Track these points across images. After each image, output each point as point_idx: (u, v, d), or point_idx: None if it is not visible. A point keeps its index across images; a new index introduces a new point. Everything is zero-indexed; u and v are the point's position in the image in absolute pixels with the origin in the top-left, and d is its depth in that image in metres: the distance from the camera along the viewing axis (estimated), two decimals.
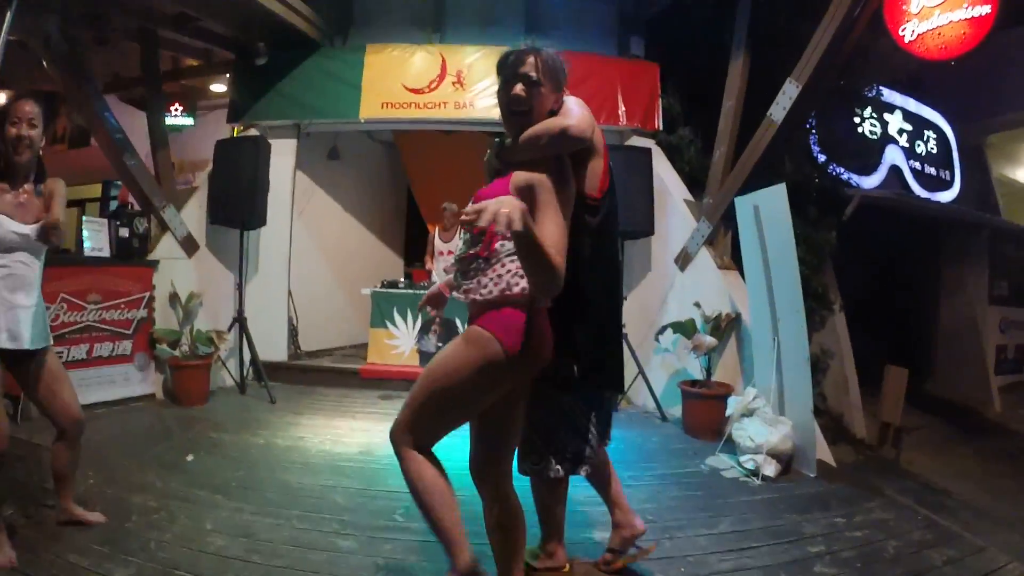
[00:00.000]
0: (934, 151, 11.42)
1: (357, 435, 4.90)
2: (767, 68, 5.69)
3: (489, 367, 1.97)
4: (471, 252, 2.12)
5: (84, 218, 5.96)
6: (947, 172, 11.67)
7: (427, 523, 2.08)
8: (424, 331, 6.54)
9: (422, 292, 6.47)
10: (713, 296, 5.70)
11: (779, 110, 5.17)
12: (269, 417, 5.31)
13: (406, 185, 9.41)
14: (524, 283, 2.01)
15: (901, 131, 10.78)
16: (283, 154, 6.74)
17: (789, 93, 5.08)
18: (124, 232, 5.89)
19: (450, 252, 7.16)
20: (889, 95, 10.35)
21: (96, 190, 12.53)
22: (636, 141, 6.53)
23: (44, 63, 5.28)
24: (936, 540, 3.37)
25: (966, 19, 3.95)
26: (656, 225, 6.10)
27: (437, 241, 7.24)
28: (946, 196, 11.35)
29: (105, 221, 5.90)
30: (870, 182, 9.56)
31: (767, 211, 4.78)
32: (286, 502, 3.47)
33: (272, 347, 6.66)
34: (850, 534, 3.38)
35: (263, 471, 3.98)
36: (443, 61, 6.55)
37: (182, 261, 6.22)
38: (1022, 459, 7.50)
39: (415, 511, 3.26)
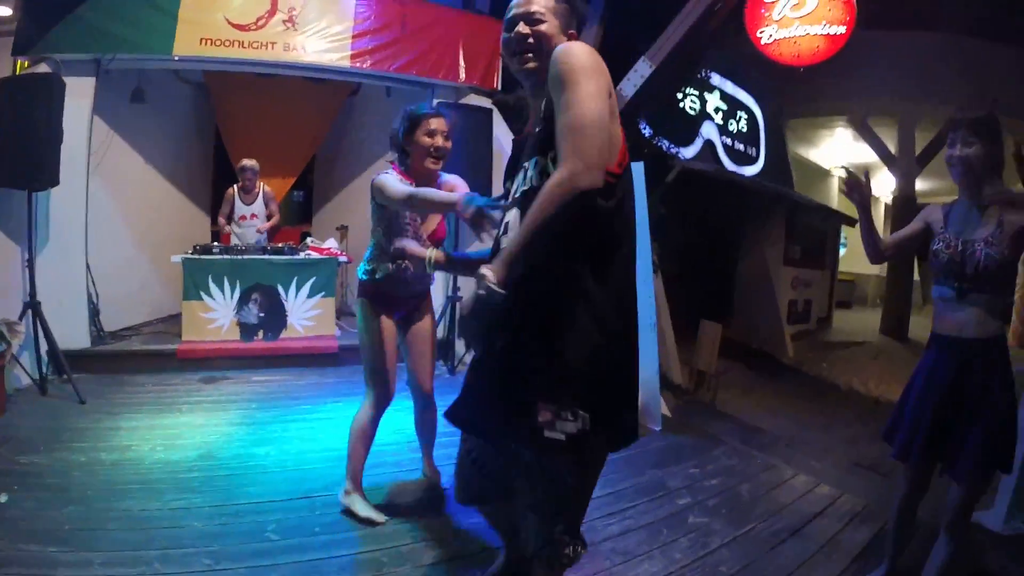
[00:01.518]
0: (744, 130, 12.45)
1: (190, 434, 4.30)
2: (620, 41, 5.70)
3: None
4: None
5: None
6: (754, 149, 12.78)
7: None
8: (244, 301, 6.00)
9: (240, 258, 5.98)
10: None
11: (629, 85, 5.25)
12: (83, 423, 4.46)
13: (214, 132, 8.53)
14: None
15: (717, 109, 11.57)
16: (79, 95, 5.65)
17: (641, 71, 5.17)
18: None
19: (253, 216, 6.62)
20: (710, 76, 11.07)
21: None
22: (472, 100, 6.37)
23: None
24: (778, 480, 3.90)
25: (822, 35, 4.22)
26: (494, 191, 5.92)
27: (237, 203, 6.66)
28: (751, 170, 12.46)
29: None
30: (687, 153, 10.18)
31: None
32: (139, 540, 2.86)
33: (72, 333, 5.64)
34: (708, 483, 3.75)
35: (98, 502, 3.24)
36: None
37: None
38: (815, 396, 8.61)
39: (287, 523, 3.05)
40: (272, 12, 5.89)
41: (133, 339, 6.37)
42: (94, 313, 6.04)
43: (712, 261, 11.32)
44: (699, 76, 10.34)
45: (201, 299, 6.03)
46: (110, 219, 6.57)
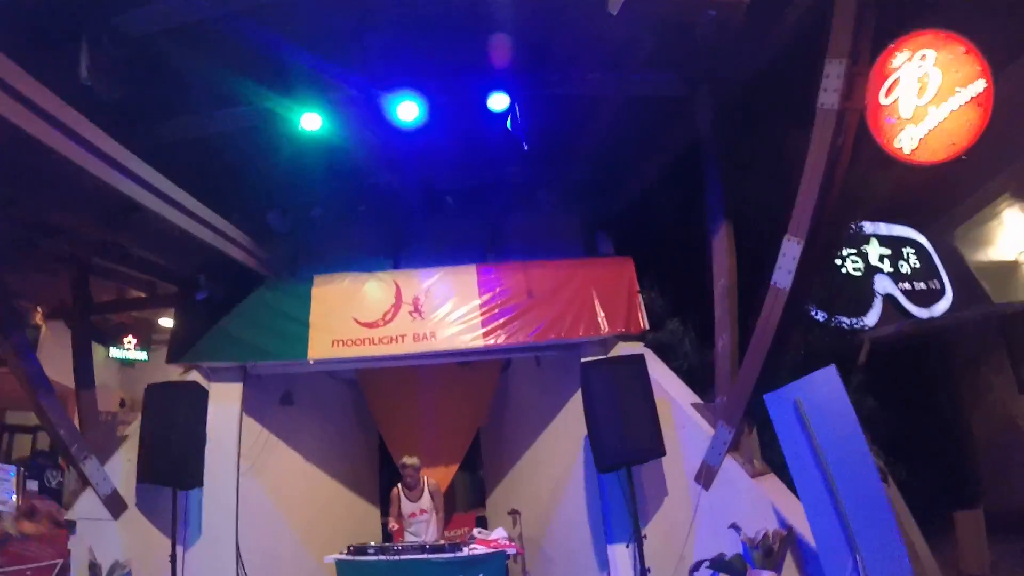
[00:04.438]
0: (917, 265, 11.14)
1: None
2: (751, 234, 5.25)
3: None
4: None
5: None
6: (936, 281, 11.33)
7: None
8: None
9: (398, 559, 5.56)
10: (752, 512, 4.81)
11: (784, 274, 4.54)
12: None
13: (375, 425, 8.57)
14: None
15: (882, 257, 10.53)
16: (227, 400, 6.06)
17: (791, 252, 4.46)
18: (32, 485, 5.06)
19: (422, 511, 6.26)
20: (860, 226, 10.02)
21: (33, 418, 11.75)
22: (623, 349, 5.95)
23: None
24: None
25: (966, 103, 3.46)
26: (665, 442, 5.29)
27: (404, 501, 6.32)
28: (942, 305, 10.95)
29: (13, 469, 5.01)
30: (868, 321, 9.07)
31: (814, 403, 4.02)
32: None
33: None
34: None
35: None
36: (397, 289, 6.10)
37: (106, 523, 5.34)
38: None
39: None
40: (397, 306, 6.01)
41: None
42: None
43: (939, 433, 9.59)
44: (849, 231, 9.40)
45: None
46: (268, 516, 6.58)
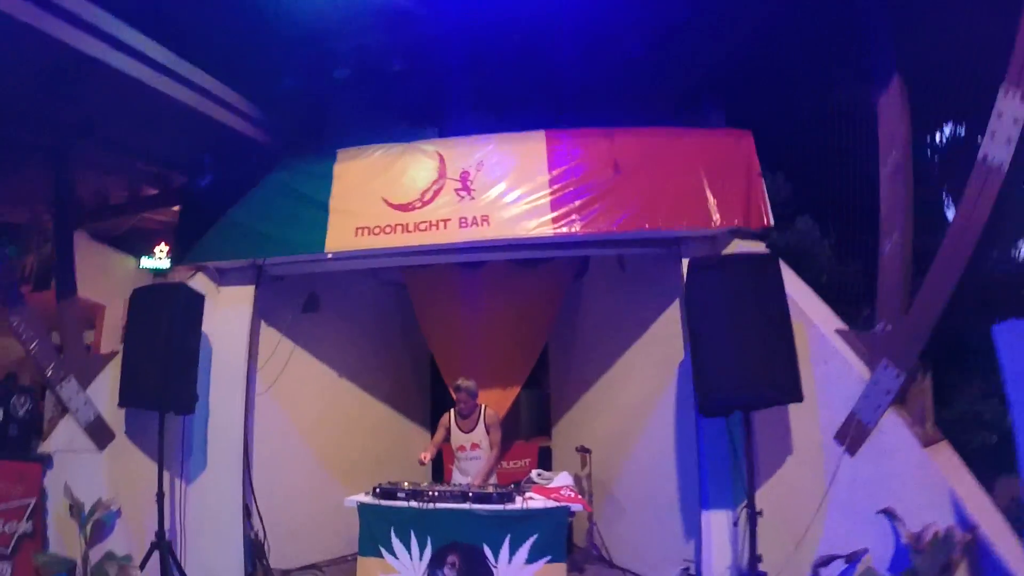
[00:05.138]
0: None
1: None
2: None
3: None
4: None
5: None
6: None
7: None
8: (438, 564, 4.47)
9: (433, 507, 4.57)
10: (917, 497, 3.63)
11: (999, 146, 3.37)
12: None
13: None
14: None
15: None
16: (238, 306, 5.27)
17: (1010, 112, 3.29)
18: None
19: (474, 446, 5.19)
20: None
21: None
22: (740, 247, 4.61)
23: None
24: None
25: None
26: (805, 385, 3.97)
27: (454, 430, 5.24)
28: None
29: None
30: None
31: None
32: None
33: (223, 573, 4.98)
34: None
35: None
36: (440, 160, 4.95)
37: (88, 456, 4.91)
38: None
39: None
40: (440, 182, 4.93)
41: None
42: (255, 552, 5.25)
43: None
44: None
45: (380, 556, 4.60)
46: (289, 443, 5.94)
